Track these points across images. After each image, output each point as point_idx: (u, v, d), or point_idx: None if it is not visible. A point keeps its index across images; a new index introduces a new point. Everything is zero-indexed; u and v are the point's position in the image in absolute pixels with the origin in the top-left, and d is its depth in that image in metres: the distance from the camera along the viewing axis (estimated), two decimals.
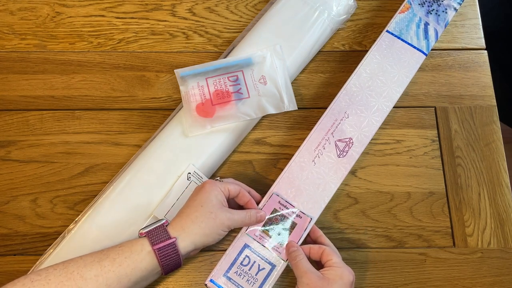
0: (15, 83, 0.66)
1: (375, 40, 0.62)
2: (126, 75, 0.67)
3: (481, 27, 0.71)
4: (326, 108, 0.59)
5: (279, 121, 0.65)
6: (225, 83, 0.61)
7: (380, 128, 0.59)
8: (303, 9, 0.65)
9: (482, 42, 0.70)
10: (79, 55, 0.68)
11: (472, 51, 0.70)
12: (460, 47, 0.70)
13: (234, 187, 0.53)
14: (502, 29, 0.96)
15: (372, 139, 0.58)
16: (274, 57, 0.63)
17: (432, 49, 0.68)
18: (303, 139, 0.58)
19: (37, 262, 0.55)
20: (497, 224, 0.60)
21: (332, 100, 0.59)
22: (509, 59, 0.96)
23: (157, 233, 0.48)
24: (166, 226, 0.49)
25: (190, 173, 0.57)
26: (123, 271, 0.46)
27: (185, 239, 0.49)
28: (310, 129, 0.58)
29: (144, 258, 0.47)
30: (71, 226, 0.57)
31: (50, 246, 0.56)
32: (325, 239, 0.54)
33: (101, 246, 0.52)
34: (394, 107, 0.60)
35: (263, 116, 0.64)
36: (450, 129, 0.65)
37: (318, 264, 0.52)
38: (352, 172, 0.62)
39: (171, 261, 0.48)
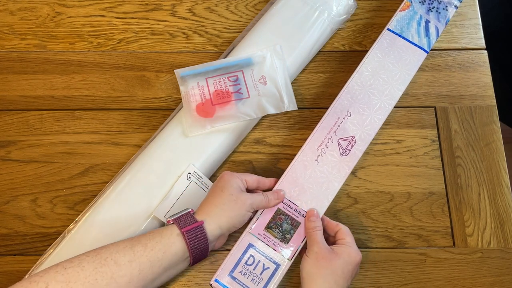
0: (15, 83, 0.66)
1: (375, 40, 0.62)
2: (126, 75, 0.67)
3: (481, 27, 0.71)
4: (326, 108, 0.59)
5: (279, 121, 0.65)
6: (225, 83, 0.61)
7: (380, 128, 0.59)
8: (303, 9, 0.65)
9: (482, 42, 0.70)
10: (79, 55, 0.68)
11: (472, 51, 0.70)
12: (460, 47, 0.70)
13: (251, 178, 0.54)
14: (502, 29, 0.96)
15: (372, 139, 0.58)
16: (274, 57, 0.63)
17: (432, 49, 0.68)
18: (303, 139, 0.58)
19: (37, 262, 0.55)
20: (497, 224, 0.60)
21: (332, 100, 0.59)
22: (509, 59, 0.96)
23: (184, 219, 0.49)
24: (192, 214, 0.51)
25: (190, 173, 0.57)
26: (155, 255, 0.47)
27: (211, 222, 0.50)
28: (311, 129, 0.58)
29: (174, 242, 0.48)
30: (71, 226, 0.57)
31: (50, 246, 0.56)
32: (340, 225, 0.54)
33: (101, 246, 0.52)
34: (394, 107, 0.60)
35: (263, 116, 0.64)
36: (450, 129, 0.65)
37: (329, 241, 0.54)
38: (352, 172, 0.62)
39: (199, 245, 0.49)
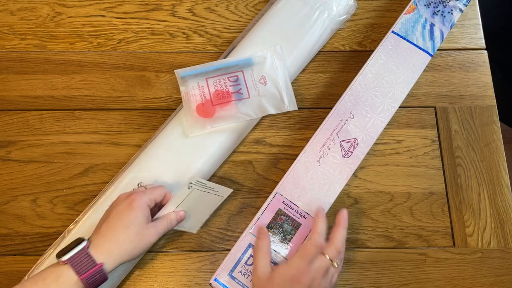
0: (15, 83, 0.66)
1: (375, 40, 0.62)
2: (126, 75, 0.67)
3: (481, 27, 0.71)
4: (326, 108, 0.59)
5: (279, 121, 0.65)
6: (225, 84, 0.61)
7: None
8: (303, 9, 0.65)
9: (482, 42, 0.70)
10: (79, 55, 0.68)
11: (472, 51, 0.70)
12: (460, 47, 0.70)
13: (159, 193, 0.53)
14: (502, 29, 0.96)
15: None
16: (274, 57, 0.63)
17: None
18: (304, 139, 0.58)
19: (37, 262, 0.55)
20: (497, 224, 0.60)
21: (332, 100, 0.59)
22: (509, 59, 0.96)
23: (80, 260, 0.45)
24: (88, 248, 0.46)
25: (191, 183, 0.56)
26: None
27: (111, 262, 0.47)
28: (311, 129, 0.58)
29: None
30: (71, 226, 0.57)
31: (50, 246, 0.56)
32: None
33: None
34: None
35: (263, 116, 0.64)
36: (450, 129, 0.65)
37: None
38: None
39: (98, 284, 0.47)
